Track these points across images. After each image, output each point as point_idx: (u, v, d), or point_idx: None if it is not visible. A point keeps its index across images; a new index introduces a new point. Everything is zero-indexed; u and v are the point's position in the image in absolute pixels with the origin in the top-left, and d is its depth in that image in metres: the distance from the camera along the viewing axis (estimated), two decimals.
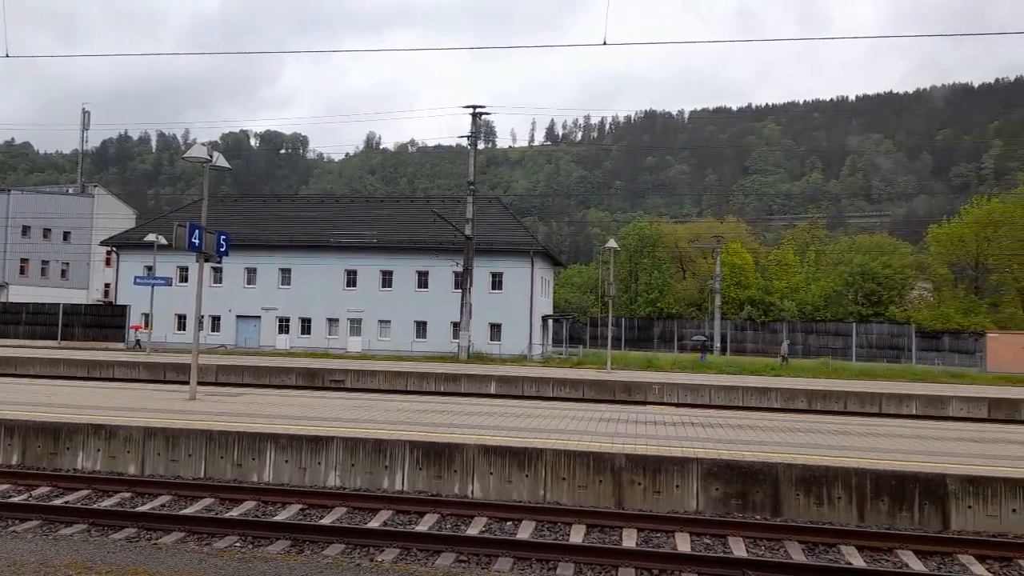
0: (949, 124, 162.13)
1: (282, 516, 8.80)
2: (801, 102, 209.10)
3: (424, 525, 8.55)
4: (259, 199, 55.42)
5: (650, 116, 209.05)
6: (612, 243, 31.16)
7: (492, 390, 23.38)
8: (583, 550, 7.44)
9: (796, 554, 7.82)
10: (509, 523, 8.70)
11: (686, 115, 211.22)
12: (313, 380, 24.35)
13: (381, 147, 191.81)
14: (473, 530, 8.39)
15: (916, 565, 7.62)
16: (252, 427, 11.18)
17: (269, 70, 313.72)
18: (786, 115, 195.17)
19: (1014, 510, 8.86)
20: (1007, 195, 58.25)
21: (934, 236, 56.20)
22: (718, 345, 51.93)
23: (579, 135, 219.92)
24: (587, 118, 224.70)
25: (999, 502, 8.93)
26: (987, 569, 7.60)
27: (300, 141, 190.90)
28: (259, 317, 44.36)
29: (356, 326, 43.47)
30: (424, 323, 42.76)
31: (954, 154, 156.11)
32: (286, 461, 10.49)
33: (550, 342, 47.90)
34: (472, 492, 9.98)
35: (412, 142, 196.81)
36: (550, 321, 48.09)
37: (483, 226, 41.57)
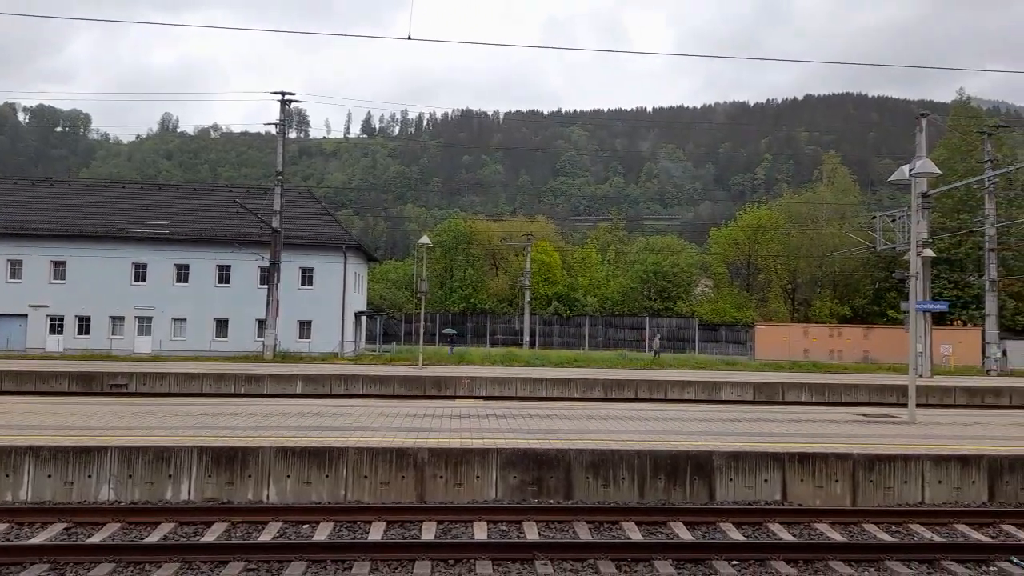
0: (729, 138, 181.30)
1: (40, 538, 7.83)
2: (606, 110, 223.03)
3: (211, 535, 8.02)
4: (27, 181, 48.72)
5: (467, 115, 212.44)
6: (425, 239, 31.27)
7: (298, 390, 22.51)
8: (379, 547, 7.39)
9: (583, 533, 8.35)
10: (306, 526, 8.43)
11: (501, 116, 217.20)
12: (90, 385, 21.92)
13: (179, 130, 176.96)
14: (266, 536, 8.02)
15: (685, 535, 8.44)
16: (4, 439, 9.83)
17: (50, 39, 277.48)
18: (592, 122, 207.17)
19: (766, 480, 10.12)
20: (774, 203, 66.32)
21: (715, 238, 62.61)
22: (527, 339, 53.95)
23: (396, 129, 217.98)
24: (404, 113, 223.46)
25: (755, 474, 10.14)
26: (743, 534, 8.60)
27: (81, 119, 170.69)
28: (25, 316, 39.10)
29: (146, 325, 39.79)
30: (225, 321, 40.14)
31: (733, 165, 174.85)
32: (49, 476, 9.34)
33: (363, 339, 47.05)
34: (268, 497, 9.54)
35: (215, 127, 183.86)
36: (363, 318, 47.23)
37: (293, 219, 39.82)
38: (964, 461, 10.33)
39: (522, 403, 17.90)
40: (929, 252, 33.70)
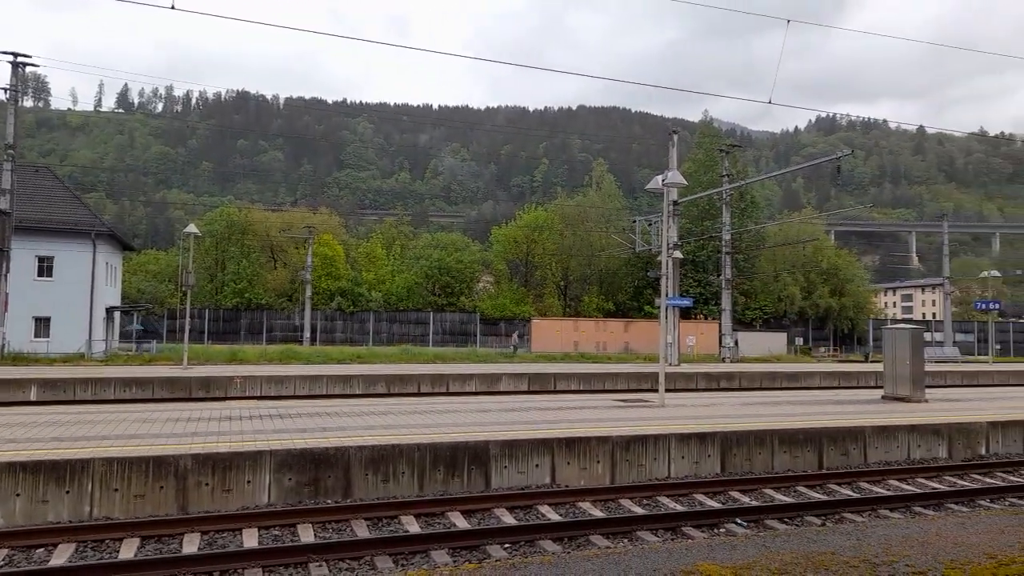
0: (510, 141, 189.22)
1: None
2: (392, 104, 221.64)
3: None
4: None
5: (243, 97, 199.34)
6: (192, 228, 28.79)
7: (33, 396, 19.65)
8: (129, 566, 6.70)
9: (361, 531, 8.26)
10: (41, 550, 7.41)
11: (281, 101, 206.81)
12: None
13: None
14: None
15: (462, 523, 8.69)
16: None
17: None
18: (378, 115, 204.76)
19: (537, 465, 10.74)
20: (550, 205, 70.37)
21: (496, 236, 64.99)
22: (308, 336, 52.07)
23: (159, 106, 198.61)
24: (170, 89, 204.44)
25: (527, 460, 10.72)
26: (515, 518, 9.05)
27: None
28: None
29: None
30: None
31: (514, 167, 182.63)
32: None
33: (117, 337, 42.23)
34: None
35: None
36: (117, 313, 42.40)
37: (28, 200, 34.61)
38: (702, 438, 11.79)
39: (301, 402, 17.23)
40: (678, 254, 37.95)
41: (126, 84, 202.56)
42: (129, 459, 8.89)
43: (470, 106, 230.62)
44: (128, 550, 7.45)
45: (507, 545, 7.86)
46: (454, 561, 7.36)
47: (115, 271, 43.11)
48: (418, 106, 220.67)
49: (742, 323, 53.92)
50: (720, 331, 44.10)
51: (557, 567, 6.07)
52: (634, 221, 43.69)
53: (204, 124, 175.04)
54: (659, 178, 16.99)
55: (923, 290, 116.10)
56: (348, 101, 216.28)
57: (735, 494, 10.46)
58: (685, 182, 17.52)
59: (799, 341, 57.68)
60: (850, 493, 10.76)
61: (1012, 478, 12.09)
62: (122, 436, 10.64)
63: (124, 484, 8.78)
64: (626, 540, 8.25)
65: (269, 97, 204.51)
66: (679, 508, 9.62)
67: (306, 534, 8.09)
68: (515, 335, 48.29)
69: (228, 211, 65.42)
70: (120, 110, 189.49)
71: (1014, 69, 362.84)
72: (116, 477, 8.76)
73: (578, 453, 10.96)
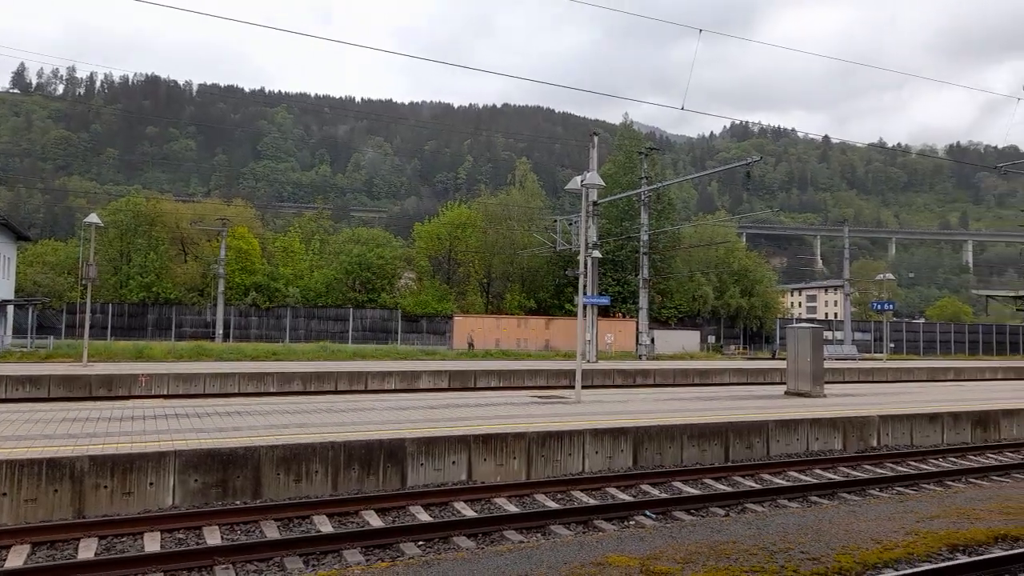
0: (434, 137, 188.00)
1: None
2: (313, 95, 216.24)
3: None
4: None
5: (152, 81, 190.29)
6: (94, 217, 27.24)
7: None
8: (17, 575, 6.33)
9: (271, 532, 8.06)
10: None
11: (194, 87, 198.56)
12: None
13: None
14: None
15: (376, 522, 8.61)
16: None
17: None
18: (298, 105, 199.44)
19: (453, 462, 10.75)
20: (473, 203, 70.29)
21: (419, 233, 64.44)
22: (220, 332, 50.27)
23: (60, 88, 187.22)
24: (72, 70, 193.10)
25: (444, 457, 10.72)
26: (431, 515, 9.04)
27: None
28: None
29: None
30: None
31: (437, 163, 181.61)
32: None
33: (10, 332, 39.56)
34: None
35: None
36: (11, 307, 39.73)
37: None
38: (615, 433, 12.08)
39: (211, 400, 16.63)
40: (597, 254, 38.71)
41: (23, 63, 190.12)
42: (19, 461, 8.37)
43: (394, 100, 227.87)
44: (17, 558, 7.02)
45: (421, 543, 7.84)
46: (367, 560, 7.29)
47: (9, 262, 40.43)
48: (340, 98, 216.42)
49: (658, 321, 55.42)
50: (637, 329, 45.20)
51: (470, 563, 6.12)
52: (555, 220, 44.22)
53: (110, 108, 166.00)
54: (579, 179, 17.28)
55: (826, 291, 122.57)
56: (266, 90, 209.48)
57: (646, 487, 10.77)
58: (603, 183, 17.89)
59: (711, 339, 59.82)
60: (753, 484, 11.26)
61: (900, 468, 12.95)
62: (12, 437, 10.02)
63: (13, 488, 8.27)
64: (539, 534, 8.37)
65: (181, 83, 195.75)
66: (592, 502, 9.83)
67: (212, 536, 7.84)
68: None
69: (135, 201, 62.20)
70: (16, 90, 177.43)
71: (911, 84, 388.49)
72: (4, 480, 8.24)
73: (495, 449, 11.04)
